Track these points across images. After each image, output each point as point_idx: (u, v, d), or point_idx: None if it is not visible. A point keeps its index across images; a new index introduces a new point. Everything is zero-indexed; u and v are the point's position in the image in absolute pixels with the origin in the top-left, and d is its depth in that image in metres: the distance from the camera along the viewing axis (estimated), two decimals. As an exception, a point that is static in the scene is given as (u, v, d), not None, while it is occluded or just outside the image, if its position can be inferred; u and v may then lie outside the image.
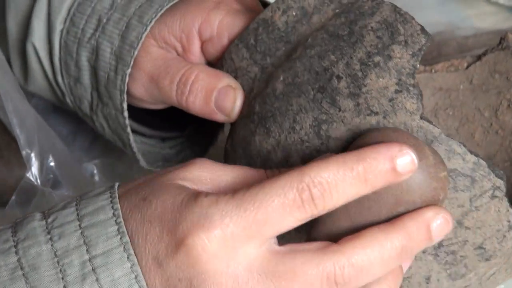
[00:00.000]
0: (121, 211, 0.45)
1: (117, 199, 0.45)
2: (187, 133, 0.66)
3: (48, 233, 0.45)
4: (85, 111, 0.64)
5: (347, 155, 0.44)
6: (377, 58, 0.49)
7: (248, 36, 0.55)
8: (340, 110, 0.49)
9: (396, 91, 0.49)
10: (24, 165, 0.64)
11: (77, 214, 0.45)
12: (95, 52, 0.60)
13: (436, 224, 0.45)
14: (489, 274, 0.52)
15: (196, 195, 0.44)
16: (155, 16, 0.58)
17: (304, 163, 0.45)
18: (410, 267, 0.50)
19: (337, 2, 0.53)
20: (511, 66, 0.63)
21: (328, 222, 0.46)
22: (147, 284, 0.44)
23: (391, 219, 0.45)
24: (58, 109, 0.73)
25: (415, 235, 0.45)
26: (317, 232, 0.47)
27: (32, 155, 0.64)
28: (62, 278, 0.44)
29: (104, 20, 0.60)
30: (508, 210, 0.50)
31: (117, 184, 0.47)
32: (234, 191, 0.44)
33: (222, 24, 0.57)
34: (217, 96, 0.56)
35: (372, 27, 0.50)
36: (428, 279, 0.51)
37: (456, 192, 0.49)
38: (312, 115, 0.50)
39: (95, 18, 0.61)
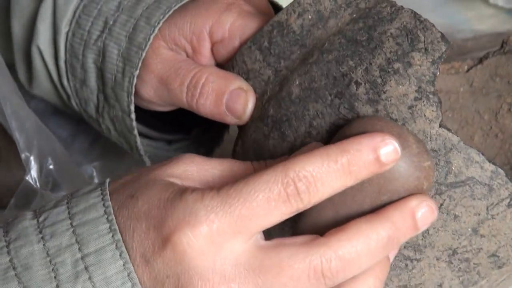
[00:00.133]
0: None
1: (108, 196, 0.45)
2: (193, 135, 0.65)
3: (40, 232, 0.45)
4: (91, 113, 0.63)
5: (331, 147, 0.44)
6: (396, 65, 0.49)
7: (261, 39, 0.55)
8: (358, 116, 0.49)
9: (416, 99, 0.49)
10: (24, 168, 0.64)
11: (69, 213, 0.45)
12: (102, 54, 0.60)
13: (421, 212, 0.45)
14: (500, 280, 0.52)
15: (182, 192, 0.44)
16: (163, 18, 0.58)
17: None
18: (423, 274, 0.50)
19: (354, 7, 0.53)
20: (513, 70, 0.63)
21: (313, 214, 0.46)
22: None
23: (375, 208, 0.46)
24: (57, 112, 0.73)
25: (400, 224, 0.45)
26: (303, 224, 0.47)
27: (31, 158, 0.64)
28: (55, 277, 0.44)
29: (111, 22, 0.59)
30: (523, 218, 0.50)
31: (108, 180, 0.47)
32: (219, 186, 0.44)
33: (234, 26, 0.57)
34: (228, 99, 0.55)
35: (391, 33, 0.50)
36: (440, 286, 0.51)
37: (473, 200, 0.49)
38: (329, 120, 0.50)
39: (101, 20, 0.60)
